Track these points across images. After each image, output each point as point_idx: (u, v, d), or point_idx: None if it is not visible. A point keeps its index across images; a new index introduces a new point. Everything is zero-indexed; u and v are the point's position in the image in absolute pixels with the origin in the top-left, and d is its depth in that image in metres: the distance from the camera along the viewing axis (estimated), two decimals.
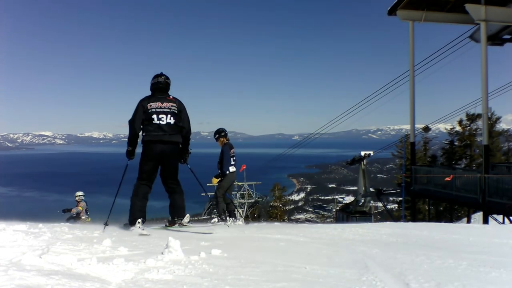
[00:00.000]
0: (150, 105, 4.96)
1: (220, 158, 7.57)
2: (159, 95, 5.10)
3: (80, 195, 11.52)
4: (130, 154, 5.16)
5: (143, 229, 4.78)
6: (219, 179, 7.48)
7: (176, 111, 5.08)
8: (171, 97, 5.16)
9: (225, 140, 7.73)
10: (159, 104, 5.00)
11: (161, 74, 5.21)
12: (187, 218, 5.16)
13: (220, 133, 7.79)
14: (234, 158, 7.62)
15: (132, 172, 5.23)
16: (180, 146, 5.33)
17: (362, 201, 20.95)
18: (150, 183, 5.15)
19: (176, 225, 5.16)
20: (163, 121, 4.96)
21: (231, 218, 7.21)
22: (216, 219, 6.79)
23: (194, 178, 6.35)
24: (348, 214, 21.04)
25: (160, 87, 5.14)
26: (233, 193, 32.25)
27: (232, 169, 7.52)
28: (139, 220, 4.84)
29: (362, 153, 20.91)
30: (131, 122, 5.00)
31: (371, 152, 21.51)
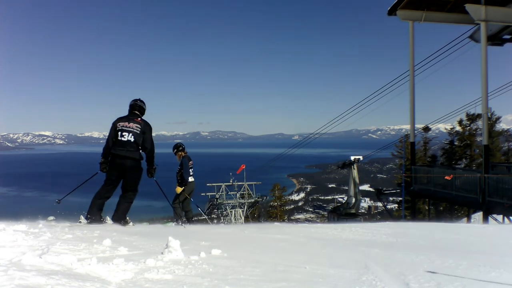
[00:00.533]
0: (119, 124, 5.71)
1: (179, 170, 8.40)
2: (130, 116, 5.85)
3: (51, 220, 11.71)
4: (101, 165, 5.81)
5: (85, 223, 5.62)
6: (183, 187, 8.21)
7: (138, 132, 5.69)
8: (139, 119, 5.83)
9: (183, 153, 8.58)
10: (126, 123, 5.72)
11: (137, 99, 6.03)
12: (109, 221, 5.79)
13: (178, 148, 8.65)
14: (192, 169, 8.47)
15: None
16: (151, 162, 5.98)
17: (352, 203, 21.62)
18: (111, 188, 5.80)
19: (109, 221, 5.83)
20: (124, 138, 5.64)
21: (187, 224, 7.69)
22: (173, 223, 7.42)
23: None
24: (339, 216, 21.33)
25: (133, 109, 5.92)
26: (232, 193, 32.29)
27: (191, 179, 8.37)
28: (82, 217, 5.80)
29: (352, 157, 21.70)
30: (107, 137, 5.80)
31: (361, 157, 22.22)
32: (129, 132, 5.63)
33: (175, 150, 8.62)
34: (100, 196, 5.74)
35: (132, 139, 5.62)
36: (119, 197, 5.85)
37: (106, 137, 5.78)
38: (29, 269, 2.13)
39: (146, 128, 5.74)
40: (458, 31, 18.43)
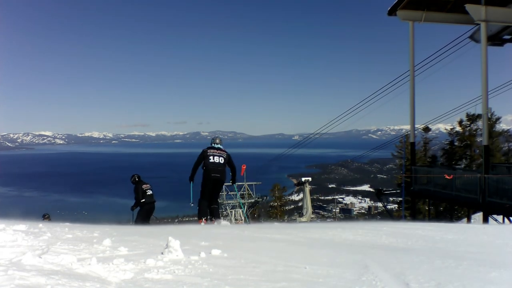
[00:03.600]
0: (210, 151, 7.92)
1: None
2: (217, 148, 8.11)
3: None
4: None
5: (204, 223, 7.31)
6: None
7: (225, 156, 7.91)
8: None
9: (47, 219, 11.69)
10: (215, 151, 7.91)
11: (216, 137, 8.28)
12: (218, 222, 7.54)
13: (44, 216, 12.05)
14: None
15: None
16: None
17: (305, 213, 27.91)
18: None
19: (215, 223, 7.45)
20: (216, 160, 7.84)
21: None
22: None
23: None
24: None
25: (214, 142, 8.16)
26: (233, 193, 32.40)
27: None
28: (203, 218, 7.56)
29: (303, 179, 29.43)
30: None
31: (310, 178, 30.51)
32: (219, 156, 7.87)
33: (43, 218, 11.83)
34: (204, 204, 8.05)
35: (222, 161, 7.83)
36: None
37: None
38: (29, 269, 2.13)
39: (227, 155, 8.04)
40: (458, 31, 18.40)
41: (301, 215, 29.00)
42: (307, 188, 29.10)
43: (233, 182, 8.27)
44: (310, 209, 28.58)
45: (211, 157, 7.60)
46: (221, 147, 7.92)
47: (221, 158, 7.70)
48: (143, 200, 9.25)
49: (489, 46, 16.42)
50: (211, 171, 7.51)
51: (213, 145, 7.94)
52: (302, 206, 30.51)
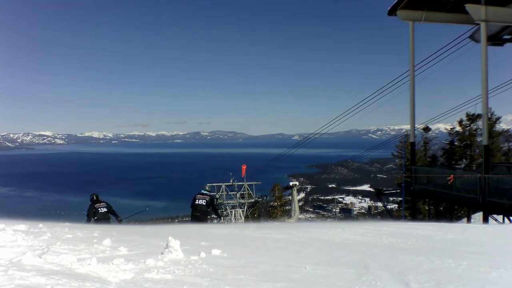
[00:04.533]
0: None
1: None
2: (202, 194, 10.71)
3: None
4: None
5: None
6: None
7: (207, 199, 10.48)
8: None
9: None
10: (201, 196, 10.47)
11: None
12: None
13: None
14: None
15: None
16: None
17: (293, 215, 30.18)
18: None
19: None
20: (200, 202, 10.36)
21: None
22: None
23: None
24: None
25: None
26: (233, 193, 32.45)
27: None
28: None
29: (291, 183, 32.17)
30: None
31: (297, 183, 33.84)
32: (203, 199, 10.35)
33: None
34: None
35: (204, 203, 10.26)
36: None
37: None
38: (29, 269, 2.13)
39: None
40: (458, 31, 18.37)
41: (289, 216, 31.41)
42: (295, 192, 32.10)
43: (216, 216, 11.30)
44: (297, 211, 31.09)
45: (197, 200, 10.18)
46: (207, 192, 10.52)
47: (203, 201, 10.21)
48: (95, 218, 10.56)
49: (489, 46, 16.41)
50: (194, 211, 10.07)
51: (202, 191, 10.55)
52: (290, 208, 33.00)
